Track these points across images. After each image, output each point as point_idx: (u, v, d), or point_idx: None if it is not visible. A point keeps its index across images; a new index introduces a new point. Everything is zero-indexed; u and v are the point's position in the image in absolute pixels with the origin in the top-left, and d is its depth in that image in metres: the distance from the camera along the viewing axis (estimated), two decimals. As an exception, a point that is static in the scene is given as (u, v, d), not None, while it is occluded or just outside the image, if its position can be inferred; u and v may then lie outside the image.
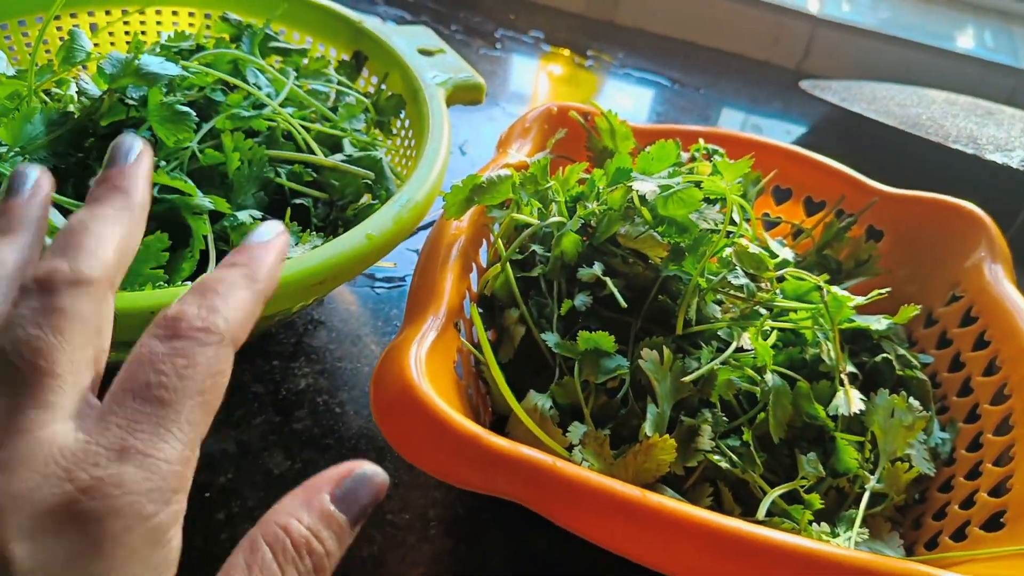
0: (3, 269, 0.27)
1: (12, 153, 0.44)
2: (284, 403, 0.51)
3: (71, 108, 0.48)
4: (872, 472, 0.46)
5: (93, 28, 0.63)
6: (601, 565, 0.42)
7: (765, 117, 0.94)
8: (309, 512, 0.25)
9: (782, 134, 0.91)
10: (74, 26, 0.55)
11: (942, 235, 0.58)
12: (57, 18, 0.62)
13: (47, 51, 0.62)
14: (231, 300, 0.26)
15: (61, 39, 0.56)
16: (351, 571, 0.44)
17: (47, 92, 0.52)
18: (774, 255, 0.53)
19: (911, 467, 0.46)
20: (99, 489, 0.22)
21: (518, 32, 1.00)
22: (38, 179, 0.30)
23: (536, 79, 0.95)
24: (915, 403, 0.47)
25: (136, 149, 0.30)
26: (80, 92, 0.48)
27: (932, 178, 0.64)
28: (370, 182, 0.52)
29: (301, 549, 0.25)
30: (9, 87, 0.49)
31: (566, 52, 0.98)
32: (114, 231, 0.27)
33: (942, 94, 0.80)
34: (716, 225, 0.48)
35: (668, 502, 0.35)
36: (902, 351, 0.51)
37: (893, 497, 0.45)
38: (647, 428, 0.42)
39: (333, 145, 0.54)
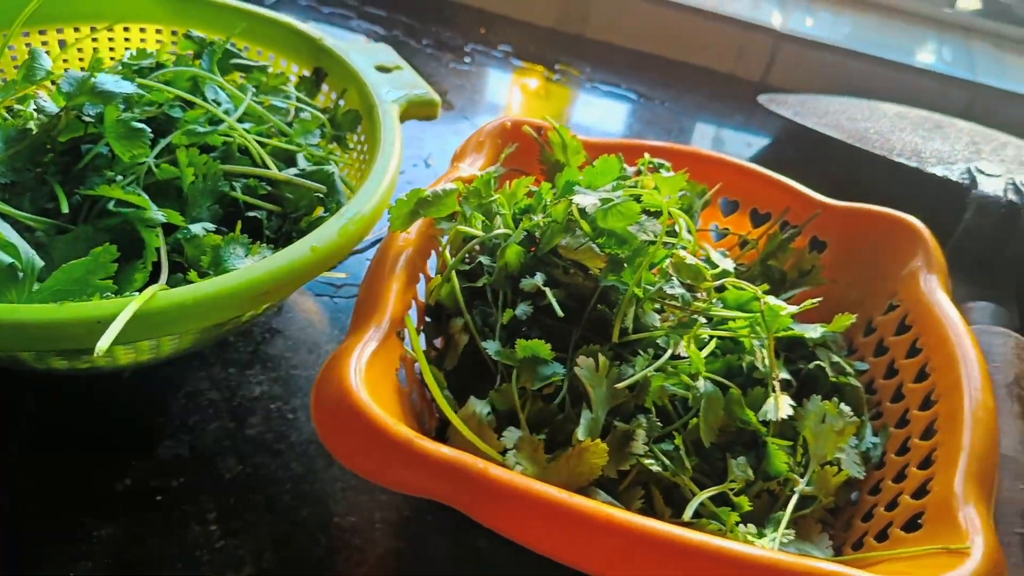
0: None
1: (-32, 168, 0.45)
2: (238, 409, 0.53)
3: (30, 125, 0.50)
4: (803, 476, 0.47)
5: (62, 44, 0.65)
6: (542, 566, 0.43)
7: (728, 130, 0.96)
8: None
9: (743, 147, 0.93)
10: (38, 45, 0.57)
11: (882, 246, 0.59)
12: (26, 35, 0.64)
13: (16, 67, 0.63)
14: None
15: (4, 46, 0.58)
16: (297, 573, 0.45)
17: (9, 109, 0.53)
18: (714, 266, 0.55)
19: (840, 470, 0.47)
20: None
21: (488, 47, 1.02)
22: None
23: (505, 93, 0.96)
24: (846, 409, 0.48)
25: None
26: (38, 109, 0.49)
27: (879, 190, 0.66)
28: (323, 196, 0.53)
29: None
30: (-29, 104, 0.50)
31: (535, 66, 1.00)
32: None
33: (894, 107, 0.82)
34: (654, 237, 0.50)
35: (590, 503, 0.36)
36: (837, 359, 0.53)
37: (822, 499, 0.47)
38: (580, 432, 0.44)
39: (288, 159, 0.56)
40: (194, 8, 0.66)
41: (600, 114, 0.95)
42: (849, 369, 0.54)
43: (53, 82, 0.54)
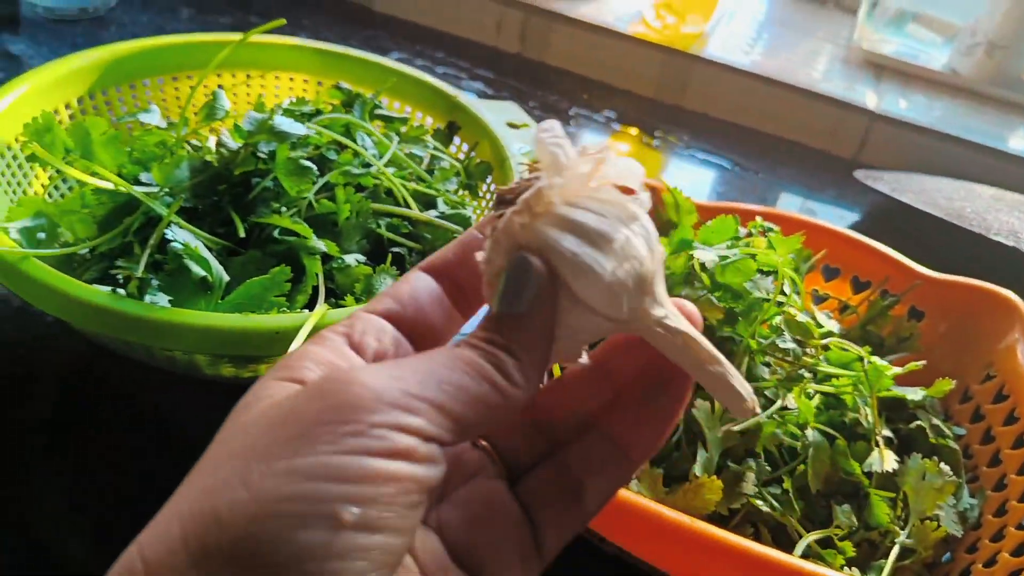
0: None
1: (162, 192, 0.51)
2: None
3: (209, 157, 0.56)
4: (903, 528, 0.50)
5: (220, 88, 0.72)
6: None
7: (820, 203, 0.99)
8: None
9: (836, 219, 0.96)
10: (218, 87, 0.63)
11: (979, 318, 0.62)
12: (190, 77, 0.71)
13: (180, 107, 0.70)
14: None
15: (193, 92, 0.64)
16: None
17: (187, 141, 0.60)
18: (820, 325, 0.58)
19: (939, 526, 0.50)
20: None
21: (591, 111, 1.07)
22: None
23: (605, 155, 1.01)
24: (946, 468, 0.51)
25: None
26: (219, 144, 0.55)
27: (974, 266, 0.69)
28: (459, 236, 0.58)
29: None
30: (158, 136, 0.57)
31: (634, 131, 1.05)
32: None
33: (990, 190, 0.84)
34: (768, 294, 0.53)
35: (711, 528, 0.40)
36: (936, 421, 0.56)
37: (921, 552, 0.49)
38: (697, 468, 0.47)
39: (427, 202, 0.61)
40: (343, 63, 0.72)
41: (696, 180, 0.99)
42: (948, 432, 0.56)
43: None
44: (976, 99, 1.14)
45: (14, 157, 0.57)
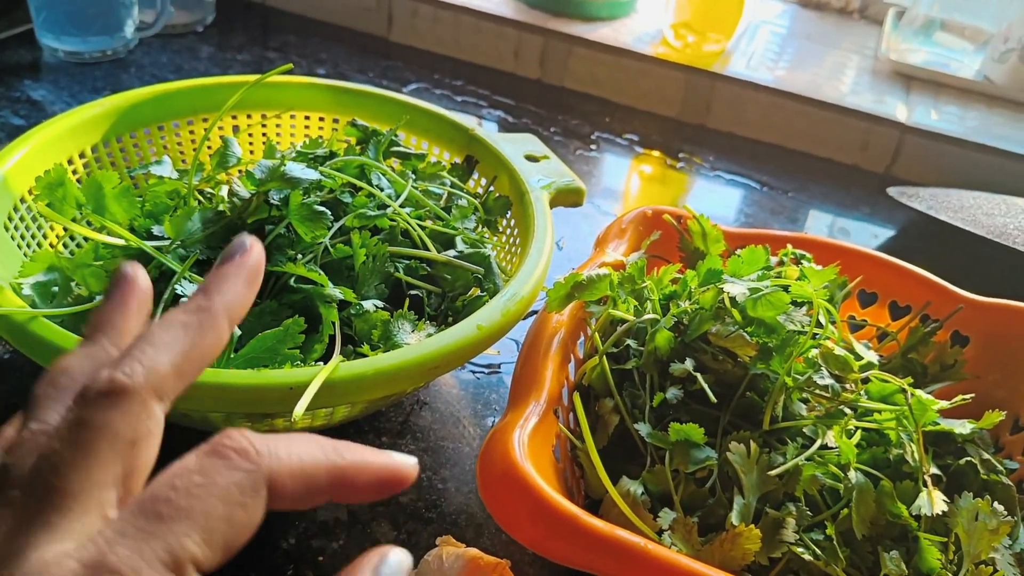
0: (69, 379, 0.26)
1: (175, 245, 0.50)
2: (392, 478, 0.55)
3: (221, 207, 0.54)
4: (956, 574, 0.47)
5: (235, 130, 0.71)
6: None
7: (853, 220, 0.96)
8: None
9: (869, 238, 0.94)
10: (215, 131, 0.62)
11: (1028, 343, 0.59)
12: (205, 120, 0.70)
13: (195, 150, 0.70)
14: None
15: (206, 135, 0.63)
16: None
17: (199, 190, 0.59)
18: (859, 357, 0.55)
19: (995, 570, 0.47)
20: None
21: (613, 134, 1.05)
22: (131, 277, 0.29)
23: (629, 178, 0.99)
24: (999, 507, 0.48)
25: (241, 248, 0.29)
26: (231, 193, 0.54)
27: (1013, 286, 0.66)
28: (479, 276, 0.56)
29: None
30: (170, 186, 0.56)
31: (658, 153, 1.03)
32: (177, 338, 0.26)
33: (1030, 203, 0.81)
34: (803, 327, 0.51)
35: (753, 587, 0.37)
36: (987, 456, 0.53)
37: (977, 599, 0.46)
38: (733, 518, 0.45)
39: (446, 242, 0.59)
40: (357, 99, 0.71)
41: (723, 201, 0.96)
42: (999, 467, 0.53)
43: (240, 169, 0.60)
44: (1011, 107, 1.10)
45: (28, 209, 0.57)
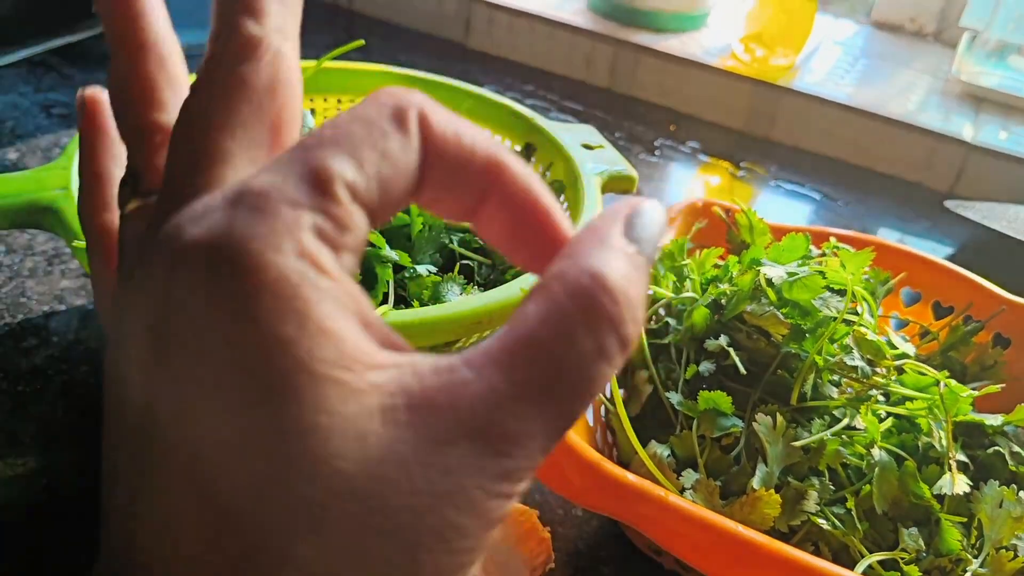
0: None
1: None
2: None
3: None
4: (975, 557, 0.48)
5: (312, 112, 0.75)
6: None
7: (913, 235, 0.96)
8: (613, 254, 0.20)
9: (929, 252, 0.93)
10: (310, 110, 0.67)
11: (1071, 348, 0.59)
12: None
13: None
14: None
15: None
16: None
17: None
18: (895, 347, 0.56)
19: (1016, 556, 0.47)
20: None
21: (676, 142, 1.07)
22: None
23: (690, 185, 1.01)
24: (1025, 497, 0.49)
25: None
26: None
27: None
28: (528, 251, 0.59)
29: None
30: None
31: (721, 162, 1.05)
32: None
33: (1092, 221, 0.81)
34: (836, 313, 0.52)
35: (767, 539, 0.39)
36: (1016, 448, 0.53)
37: (995, 582, 0.47)
38: (755, 482, 0.46)
39: (500, 219, 0.62)
40: (425, 86, 0.75)
41: (783, 211, 0.98)
42: (1030, 461, 0.53)
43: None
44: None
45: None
